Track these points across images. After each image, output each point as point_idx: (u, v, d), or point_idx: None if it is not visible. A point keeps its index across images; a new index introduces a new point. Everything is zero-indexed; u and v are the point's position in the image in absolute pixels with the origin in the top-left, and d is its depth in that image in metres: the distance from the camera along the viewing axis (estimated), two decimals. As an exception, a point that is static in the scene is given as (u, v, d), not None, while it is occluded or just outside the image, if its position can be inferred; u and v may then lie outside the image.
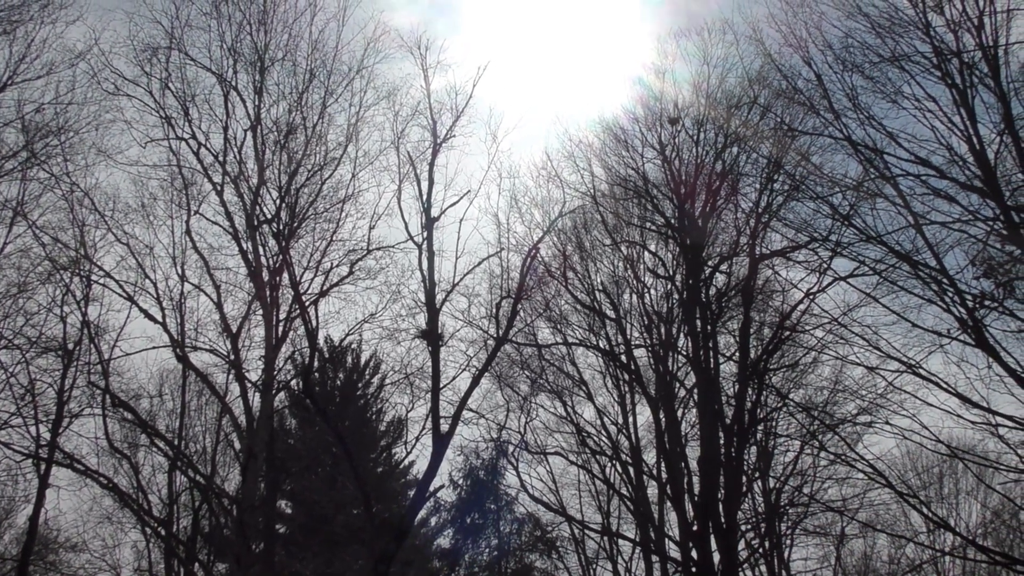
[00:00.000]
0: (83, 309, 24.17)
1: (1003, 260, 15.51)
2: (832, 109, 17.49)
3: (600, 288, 27.42)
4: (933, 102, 16.16)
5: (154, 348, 24.69)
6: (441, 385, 23.63)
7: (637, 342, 26.94)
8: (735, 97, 24.29)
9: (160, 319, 24.05)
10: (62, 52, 21.33)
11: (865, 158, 17.07)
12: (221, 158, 24.69)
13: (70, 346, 24.41)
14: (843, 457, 20.50)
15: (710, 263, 24.82)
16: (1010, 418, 15.14)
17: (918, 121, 16.42)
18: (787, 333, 22.70)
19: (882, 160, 16.80)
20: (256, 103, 25.05)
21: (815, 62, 17.82)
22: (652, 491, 27.70)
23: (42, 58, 20.66)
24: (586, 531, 30.10)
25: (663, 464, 25.98)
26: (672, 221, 25.18)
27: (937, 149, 16.08)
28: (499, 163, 30.61)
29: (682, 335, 25.58)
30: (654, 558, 28.28)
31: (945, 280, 15.63)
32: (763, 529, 26.40)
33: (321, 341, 31.41)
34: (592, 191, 26.53)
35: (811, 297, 20.92)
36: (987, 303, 15.24)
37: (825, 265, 19.72)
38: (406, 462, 34.57)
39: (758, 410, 23.72)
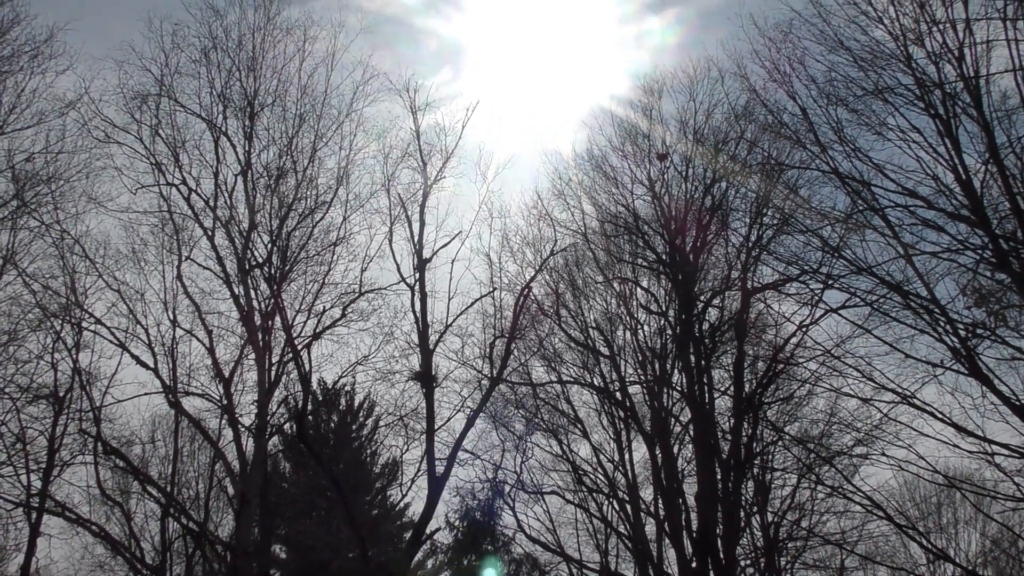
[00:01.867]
0: (74, 356, 24.15)
1: (993, 289, 15.57)
2: (818, 142, 17.57)
3: (593, 325, 27.42)
4: (918, 133, 16.25)
5: (146, 394, 24.73)
6: (436, 427, 23.63)
7: (631, 378, 26.90)
8: (722, 132, 24.55)
9: (152, 365, 24.04)
10: (52, 101, 21.58)
11: (853, 190, 17.14)
12: (212, 203, 24.81)
13: (61, 393, 24.29)
14: (840, 490, 20.39)
15: (702, 298, 24.87)
16: (1006, 446, 15.10)
17: (904, 152, 16.49)
18: (781, 366, 22.68)
19: (870, 192, 16.87)
20: (246, 148, 25.23)
21: (800, 96, 17.92)
22: (650, 528, 27.44)
23: (32, 108, 20.91)
24: (584, 571, 29.75)
25: (660, 501, 25.79)
26: (663, 257, 25.27)
27: (924, 179, 16.15)
28: (490, 203, 30.16)
29: (676, 371, 25.53)
30: (654, 596, 27.96)
31: (936, 310, 15.65)
32: (762, 564, 26.10)
33: (314, 384, 31.29)
34: (583, 229, 26.70)
35: (804, 329, 20.91)
36: (979, 332, 15.26)
37: (817, 297, 19.69)
38: (401, 504, 34.30)
39: (754, 444, 23.64)
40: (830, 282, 18.43)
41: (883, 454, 17.53)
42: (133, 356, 24.02)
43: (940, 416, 15.59)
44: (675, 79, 25.30)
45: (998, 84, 15.43)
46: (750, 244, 23.57)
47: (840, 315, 18.83)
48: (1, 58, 20.06)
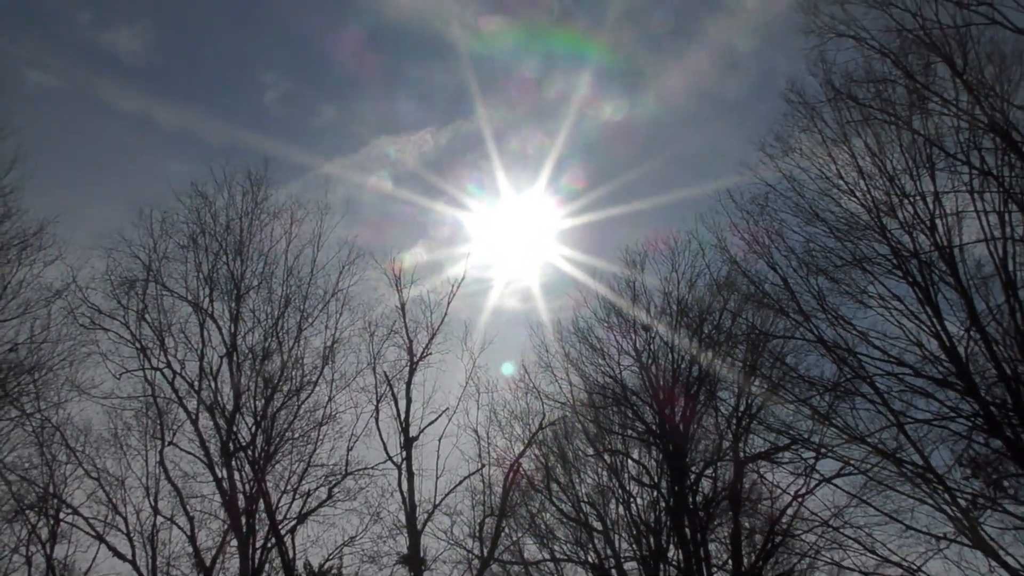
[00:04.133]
0: (47, 551, 23.33)
1: (990, 457, 15.38)
2: (801, 311, 17.76)
3: (585, 499, 26.81)
4: (898, 300, 16.51)
5: (123, 588, 23.65)
6: (426, 614, 22.70)
7: (626, 554, 26.06)
8: (705, 303, 24.76)
9: (130, 556, 23.18)
10: (39, 291, 21.51)
11: (839, 358, 17.21)
12: (196, 386, 24.55)
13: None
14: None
15: (694, 469, 24.48)
16: (1020, 621, 14.55)
17: (886, 319, 16.70)
18: (779, 538, 22.11)
19: (856, 359, 16.93)
20: (232, 330, 25.17)
21: (780, 267, 18.28)
22: None
23: (19, 298, 20.77)
24: None
25: None
26: (653, 427, 25.01)
27: (909, 347, 16.28)
28: (476, 378, 29.64)
29: (672, 544, 24.82)
30: None
31: (934, 478, 15.43)
32: None
33: (299, 568, 30.14)
34: (571, 400, 26.55)
35: (799, 500, 20.61)
36: (980, 502, 14.99)
37: (810, 467, 19.51)
38: None
39: (758, 622, 22.74)
40: (823, 451, 18.28)
41: (895, 633, 16.88)
42: (111, 548, 23.21)
43: (950, 592, 15.15)
44: (657, 251, 25.74)
45: (972, 252, 15.79)
46: (739, 413, 23.43)
47: (835, 485, 18.59)
48: (-9, 251, 20.12)
